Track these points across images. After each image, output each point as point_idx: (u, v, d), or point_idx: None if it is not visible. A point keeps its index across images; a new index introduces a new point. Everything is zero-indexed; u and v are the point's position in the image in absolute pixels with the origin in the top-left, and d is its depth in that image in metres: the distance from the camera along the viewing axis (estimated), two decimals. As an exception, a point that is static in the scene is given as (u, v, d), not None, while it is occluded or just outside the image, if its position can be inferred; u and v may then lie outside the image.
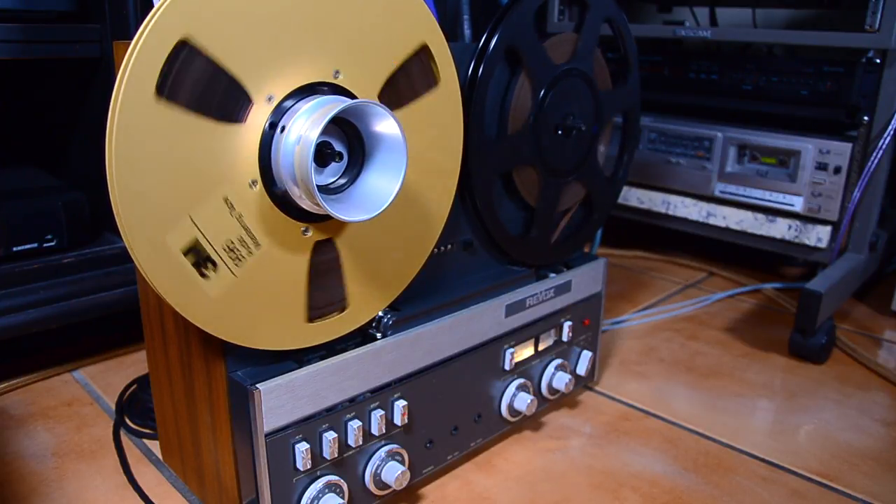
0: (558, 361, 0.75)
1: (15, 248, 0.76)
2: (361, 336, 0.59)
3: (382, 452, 0.58)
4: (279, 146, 0.45)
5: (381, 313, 0.58)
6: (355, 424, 0.55)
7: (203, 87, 0.43)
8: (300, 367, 0.53)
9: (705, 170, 1.15)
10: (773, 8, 1.37)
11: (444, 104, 0.56)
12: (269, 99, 0.45)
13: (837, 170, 1.02)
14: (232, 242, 0.46)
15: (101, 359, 0.87)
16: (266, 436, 0.50)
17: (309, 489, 0.54)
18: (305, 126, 0.44)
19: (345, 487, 0.56)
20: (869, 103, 1.00)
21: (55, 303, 0.76)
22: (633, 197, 1.25)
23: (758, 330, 1.02)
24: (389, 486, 0.59)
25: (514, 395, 0.70)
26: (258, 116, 0.45)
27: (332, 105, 0.44)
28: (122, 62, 0.40)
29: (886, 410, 0.81)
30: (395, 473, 0.57)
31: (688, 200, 1.19)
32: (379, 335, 0.58)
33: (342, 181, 0.50)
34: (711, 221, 1.17)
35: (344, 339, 0.56)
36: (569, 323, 0.75)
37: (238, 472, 0.54)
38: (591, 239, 0.86)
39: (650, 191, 1.23)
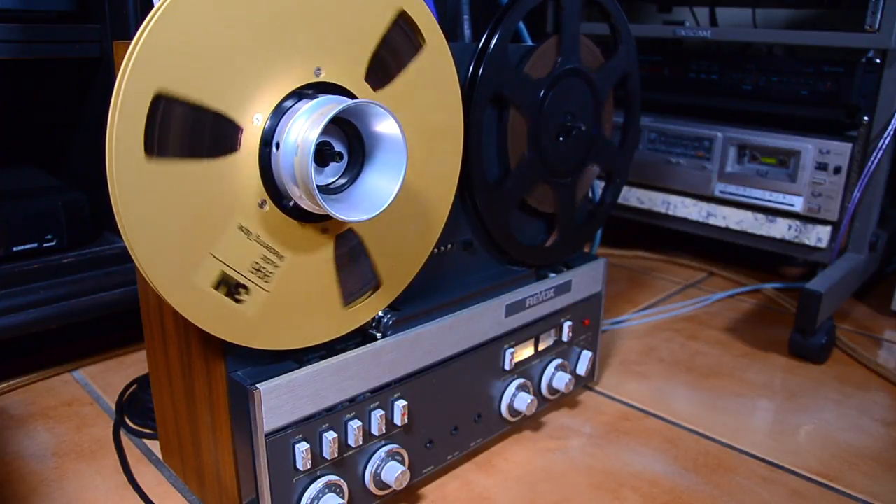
0: (558, 361, 0.75)
1: (15, 248, 0.76)
2: (361, 336, 0.59)
3: (382, 452, 0.58)
4: (277, 161, 0.46)
5: (381, 313, 0.58)
6: (355, 424, 0.55)
7: (190, 131, 0.43)
8: (300, 367, 0.53)
9: (705, 170, 1.15)
10: (773, 8, 1.37)
11: (435, 63, 0.54)
12: (257, 120, 0.45)
13: (837, 170, 1.02)
14: (257, 263, 0.48)
15: (101, 359, 0.87)
16: (266, 436, 0.50)
17: (309, 489, 0.54)
18: (305, 127, 0.44)
19: (345, 487, 0.56)
20: (869, 103, 1.00)
21: (55, 303, 0.76)
22: (633, 197, 1.25)
23: (758, 330, 1.02)
24: (389, 486, 0.59)
25: (514, 395, 0.70)
26: (250, 139, 0.45)
27: (331, 105, 0.44)
28: (121, 62, 0.40)
29: (886, 410, 0.81)
30: (395, 473, 0.57)
31: (688, 200, 1.19)
32: (379, 335, 0.58)
33: (342, 181, 0.50)
34: (711, 221, 1.17)
35: (344, 339, 0.56)
36: (569, 323, 0.75)
37: (238, 472, 0.54)
38: (591, 239, 0.86)
39: (650, 191, 1.23)
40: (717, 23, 1.36)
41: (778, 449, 0.73)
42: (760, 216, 1.11)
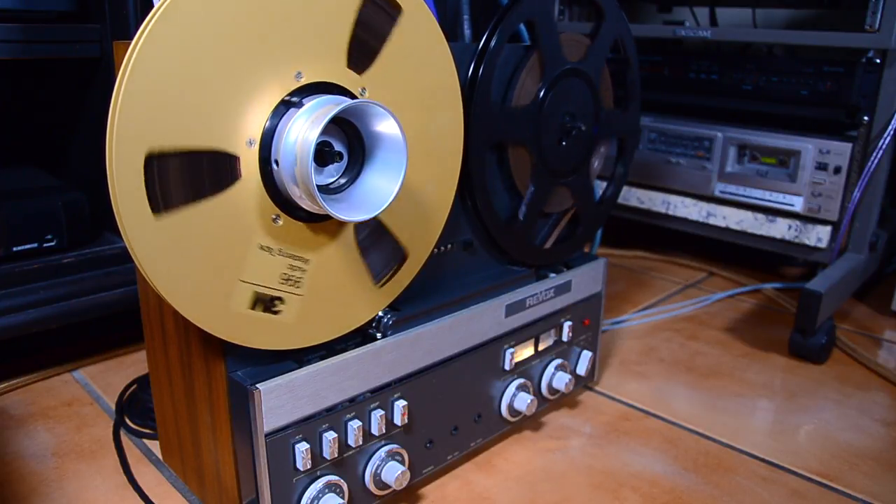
0: (558, 361, 0.75)
1: (15, 248, 0.76)
2: (361, 336, 0.59)
3: (382, 452, 0.58)
4: (280, 177, 0.46)
5: (381, 313, 0.58)
6: (355, 424, 0.55)
7: (190, 178, 0.43)
8: (300, 367, 0.53)
9: (705, 170, 1.15)
10: (773, 8, 1.37)
11: (417, 26, 0.53)
12: (250, 143, 0.45)
13: (837, 170, 1.02)
14: (285, 274, 0.49)
15: (101, 359, 0.87)
16: (266, 436, 0.50)
17: (309, 489, 0.54)
18: (305, 127, 0.44)
19: (345, 487, 0.56)
20: (869, 103, 1.00)
21: (55, 303, 0.76)
22: (633, 197, 1.25)
23: (758, 330, 1.02)
24: (389, 486, 0.59)
25: (514, 395, 0.70)
26: (249, 163, 0.46)
27: (331, 105, 0.44)
28: (122, 62, 0.40)
29: (886, 410, 0.81)
30: (395, 473, 0.58)
31: (688, 200, 1.19)
32: (379, 335, 0.58)
33: (342, 181, 0.50)
34: (711, 221, 1.17)
35: (344, 339, 0.56)
36: (569, 323, 0.75)
37: (238, 472, 0.54)
38: (591, 239, 0.86)
39: (650, 191, 1.23)
40: (717, 23, 1.36)
41: (778, 449, 0.73)
42: (760, 216, 1.11)
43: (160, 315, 0.59)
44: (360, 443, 0.56)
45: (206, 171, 0.44)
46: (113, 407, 0.77)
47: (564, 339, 0.75)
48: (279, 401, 0.51)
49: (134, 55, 0.39)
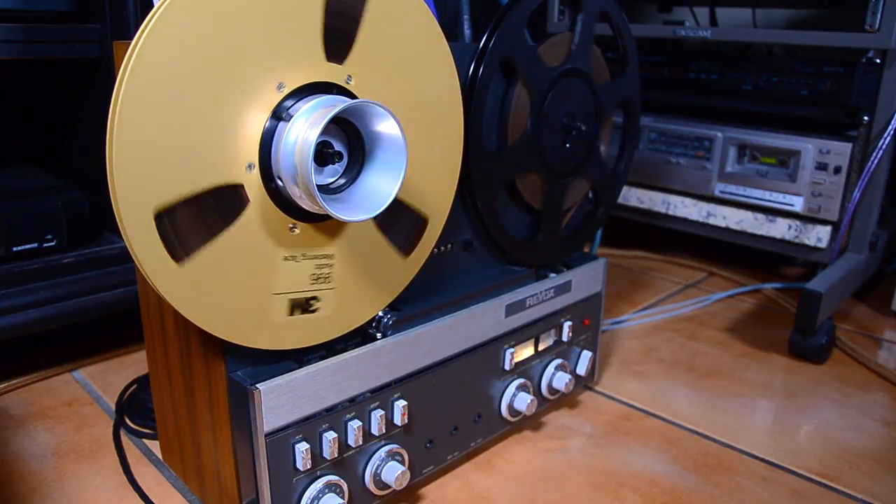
0: (558, 361, 0.75)
1: (15, 248, 0.76)
2: (361, 336, 0.59)
3: (382, 452, 0.58)
4: (287, 192, 0.47)
5: (381, 313, 0.58)
6: (355, 424, 0.55)
7: (201, 220, 0.44)
8: (300, 367, 0.53)
9: (705, 170, 1.15)
10: (773, 8, 1.37)
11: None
12: (250, 167, 0.45)
13: (837, 170, 1.02)
14: (314, 274, 0.51)
15: (101, 359, 0.87)
16: (266, 436, 0.50)
17: (309, 489, 0.54)
18: (305, 127, 0.44)
19: (345, 487, 0.56)
20: (869, 103, 1.00)
21: (55, 303, 0.76)
22: (633, 197, 1.25)
23: (758, 330, 1.02)
24: (389, 486, 0.59)
25: (514, 395, 0.70)
26: (254, 186, 0.46)
27: (331, 106, 0.44)
28: (122, 62, 0.40)
29: (886, 410, 0.81)
30: (395, 473, 0.58)
31: (688, 200, 1.19)
32: (379, 335, 0.58)
33: (342, 181, 0.50)
34: (711, 221, 1.17)
35: (344, 339, 0.56)
36: (569, 323, 0.75)
37: (238, 472, 0.54)
38: (591, 239, 0.86)
39: (650, 191, 1.23)
40: (717, 23, 1.36)
41: (778, 449, 0.73)
42: (760, 216, 1.11)
43: (160, 315, 0.59)
44: (360, 443, 0.56)
45: (216, 208, 0.45)
46: (113, 407, 0.77)
47: (564, 339, 0.75)
48: (279, 401, 0.51)
49: (133, 57, 0.39)
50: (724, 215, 1.15)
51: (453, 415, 0.65)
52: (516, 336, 0.70)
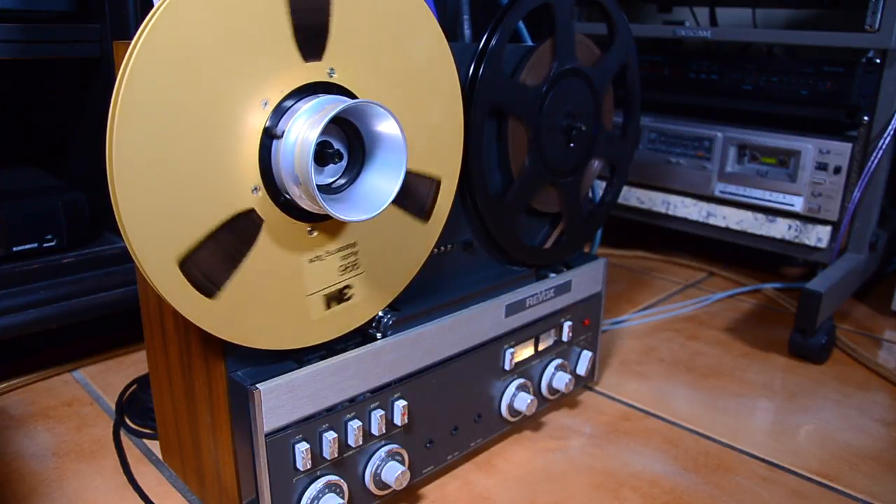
0: (558, 361, 0.75)
1: (15, 248, 0.76)
2: (361, 336, 0.59)
3: (382, 452, 0.58)
4: (296, 203, 0.47)
5: (381, 313, 0.58)
6: (355, 424, 0.55)
7: (224, 253, 0.46)
8: (300, 367, 0.53)
9: (705, 170, 1.15)
10: (773, 8, 1.37)
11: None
12: (255, 189, 0.46)
13: (837, 170, 1.02)
14: (342, 265, 0.52)
15: (101, 359, 0.87)
16: (266, 436, 0.50)
17: (309, 489, 0.54)
18: (305, 127, 0.44)
19: (345, 487, 0.56)
20: (869, 103, 1.00)
21: (55, 303, 0.76)
22: (633, 197, 1.25)
23: (758, 330, 1.02)
24: (389, 486, 0.59)
25: (514, 395, 0.70)
26: (266, 206, 0.47)
27: (331, 105, 0.44)
28: (121, 63, 0.40)
29: (886, 410, 0.81)
30: (395, 473, 0.57)
31: (688, 200, 1.19)
32: (379, 335, 0.58)
33: (342, 181, 0.50)
34: (711, 221, 1.17)
35: (344, 339, 0.56)
36: (569, 323, 0.75)
37: (238, 472, 0.54)
38: (591, 239, 0.86)
39: (650, 191, 1.23)
40: (717, 23, 1.36)
41: (778, 449, 0.73)
42: (760, 216, 1.11)
43: (160, 315, 0.59)
44: (360, 443, 0.56)
45: (233, 238, 0.46)
46: (113, 407, 0.77)
47: (564, 339, 0.75)
48: (279, 401, 0.51)
49: (132, 59, 0.39)
50: (724, 215, 1.15)
51: (453, 415, 0.65)
52: (516, 336, 0.70)
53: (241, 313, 0.48)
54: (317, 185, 0.44)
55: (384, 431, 0.58)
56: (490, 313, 0.66)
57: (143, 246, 0.42)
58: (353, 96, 0.49)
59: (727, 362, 0.92)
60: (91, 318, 0.79)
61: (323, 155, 0.48)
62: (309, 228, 0.49)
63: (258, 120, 0.45)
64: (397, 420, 0.59)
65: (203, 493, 0.61)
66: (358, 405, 0.56)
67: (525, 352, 0.71)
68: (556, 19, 0.65)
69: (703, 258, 1.31)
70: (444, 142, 0.57)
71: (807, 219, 1.07)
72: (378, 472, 0.58)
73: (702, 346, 0.96)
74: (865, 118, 1.00)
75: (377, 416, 0.57)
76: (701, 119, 1.18)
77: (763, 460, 0.71)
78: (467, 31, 0.73)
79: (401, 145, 0.47)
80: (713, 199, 1.16)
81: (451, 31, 0.70)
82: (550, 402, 0.77)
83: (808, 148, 1.04)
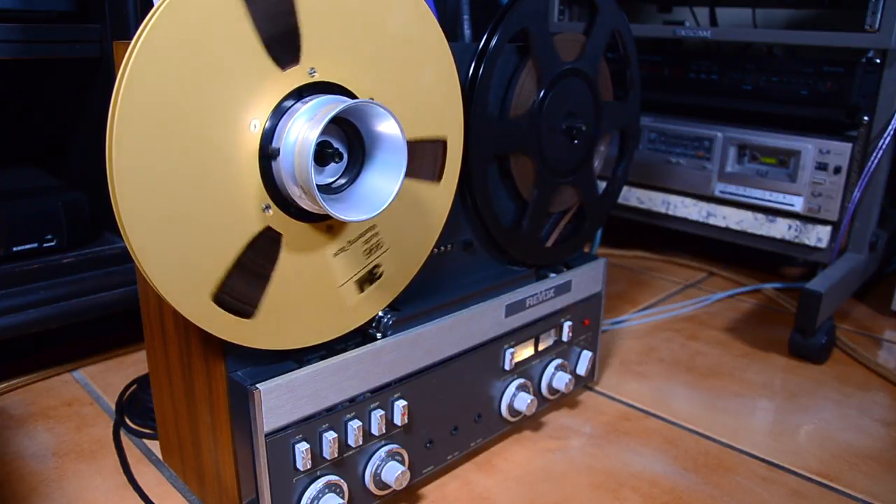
0: (558, 361, 0.75)
1: (15, 248, 0.76)
2: (361, 336, 0.59)
3: (382, 452, 0.58)
4: (311, 207, 0.47)
5: (381, 313, 0.58)
6: (355, 424, 0.55)
7: (251, 274, 0.47)
8: (300, 367, 0.53)
9: (705, 170, 1.15)
10: (773, 8, 1.37)
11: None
12: (267, 208, 0.47)
13: (837, 170, 1.02)
14: (366, 249, 0.53)
15: (101, 359, 0.87)
16: (266, 436, 0.50)
17: (309, 489, 0.54)
18: (305, 127, 0.44)
19: (345, 487, 0.56)
20: (869, 103, 1.00)
21: (55, 303, 0.76)
22: (633, 197, 1.25)
23: (758, 330, 1.02)
24: (389, 486, 0.59)
25: (514, 395, 0.70)
26: (280, 220, 0.48)
27: (332, 105, 0.44)
28: (121, 62, 0.40)
29: (886, 410, 0.81)
30: (395, 473, 0.57)
31: (688, 200, 1.19)
32: (379, 335, 0.58)
33: (342, 181, 0.50)
34: (711, 221, 1.17)
35: (344, 339, 0.56)
36: (569, 323, 0.75)
37: (238, 472, 0.54)
38: (591, 239, 0.86)
39: (650, 191, 1.23)
40: (717, 23, 1.36)
41: (778, 449, 0.73)
42: (760, 216, 1.11)
43: (160, 315, 0.59)
44: (360, 443, 0.56)
45: (257, 258, 0.47)
46: (113, 407, 0.77)
47: (564, 339, 0.75)
48: (279, 401, 0.51)
49: (132, 59, 0.39)
50: (724, 215, 1.15)
51: (453, 415, 0.65)
52: (516, 336, 0.70)
53: (280, 322, 0.50)
54: (317, 185, 0.43)
55: (384, 431, 0.58)
56: (490, 313, 0.66)
57: (174, 289, 0.44)
58: (344, 91, 0.49)
59: (727, 362, 0.92)
60: (91, 318, 0.79)
61: (323, 155, 0.48)
62: (327, 226, 0.50)
63: (251, 144, 0.45)
64: (397, 420, 0.59)
65: (203, 493, 0.61)
66: (358, 405, 0.56)
67: (525, 352, 0.71)
68: (532, 43, 0.64)
69: (703, 258, 1.31)
70: (441, 100, 0.56)
71: (807, 219, 1.07)
72: (378, 472, 0.58)
73: (702, 346, 0.96)
74: (865, 118, 1.00)
75: (377, 416, 0.57)
76: (701, 119, 1.17)
77: (763, 460, 0.71)
78: (467, 31, 0.73)
79: (401, 145, 0.47)
80: (713, 199, 1.16)
81: (451, 31, 0.70)
82: (550, 402, 0.77)
83: (808, 148, 1.04)
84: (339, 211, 0.45)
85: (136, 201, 0.41)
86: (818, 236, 1.06)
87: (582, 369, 0.78)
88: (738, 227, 1.14)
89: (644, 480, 0.67)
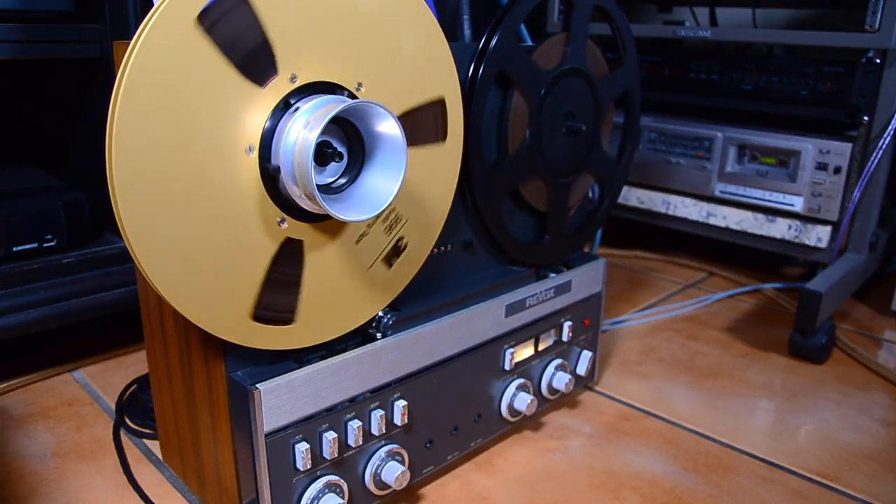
0: (558, 361, 0.75)
1: (15, 248, 0.76)
2: (361, 336, 0.59)
3: (382, 452, 0.58)
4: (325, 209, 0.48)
5: (381, 313, 0.58)
6: (355, 424, 0.55)
7: (283, 286, 0.49)
8: (300, 367, 0.53)
9: (705, 170, 1.15)
10: (773, 8, 1.37)
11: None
12: (282, 221, 0.48)
13: (837, 170, 1.02)
14: (386, 226, 0.54)
15: (101, 359, 0.87)
16: (266, 436, 0.50)
17: (309, 489, 0.54)
18: (305, 128, 0.44)
19: (345, 487, 0.56)
20: (869, 103, 1.00)
21: (55, 303, 0.76)
22: (633, 197, 1.25)
23: (758, 330, 1.02)
24: (389, 486, 0.59)
25: (514, 395, 0.70)
26: (298, 227, 0.49)
27: (332, 104, 0.44)
28: (122, 62, 0.40)
29: (886, 410, 0.81)
30: (395, 473, 0.58)
31: (688, 200, 1.19)
32: (379, 335, 0.58)
33: (342, 181, 0.50)
34: (711, 221, 1.17)
35: (344, 339, 0.56)
36: (569, 323, 0.75)
37: (238, 472, 0.54)
38: (592, 239, 0.86)
39: (650, 191, 1.23)
40: (717, 23, 1.36)
41: (778, 449, 0.73)
42: (760, 216, 1.11)
43: (160, 315, 0.59)
44: (360, 443, 0.56)
45: (285, 269, 0.49)
46: (113, 407, 0.77)
47: (564, 339, 0.75)
48: (279, 401, 0.51)
49: (132, 59, 0.39)
50: (724, 215, 1.15)
51: (453, 415, 0.65)
52: (516, 336, 0.70)
53: (319, 318, 0.52)
54: (317, 185, 0.43)
55: (384, 431, 0.58)
56: (490, 313, 0.66)
57: (213, 319, 0.46)
58: (330, 85, 0.48)
59: (727, 362, 0.92)
60: (91, 318, 0.79)
61: (323, 155, 0.48)
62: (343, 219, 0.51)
63: (251, 169, 0.45)
64: (397, 420, 0.59)
65: (203, 493, 0.61)
66: (358, 405, 0.56)
67: (525, 352, 0.71)
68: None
69: (703, 258, 1.31)
70: (430, 61, 0.54)
71: (807, 219, 1.07)
72: (378, 472, 0.58)
73: (702, 346, 0.96)
74: (865, 118, 1.00)
75: (377, 416, 0.57)
76: (701, 119, 1.17)
77: (763, 460, 0.71)
78: (467, 31, 0.73)
79: (401, 145, 0.47)
80: (713, 199, 1.16)
81: (451, 31, 0.70)
82: (550, 402, 0.77)
83: (808, 148, 1.04)
84: (339, 211, 0.45)
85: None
86: (818, 236, 1.06)
87: (582, 369, 0.78)
88: (738, 227, 1.14)
89: (644, 480, 0.67)
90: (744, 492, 0.66)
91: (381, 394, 0.58)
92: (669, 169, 1.19)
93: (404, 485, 0.58)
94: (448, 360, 0.63)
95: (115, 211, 0.41)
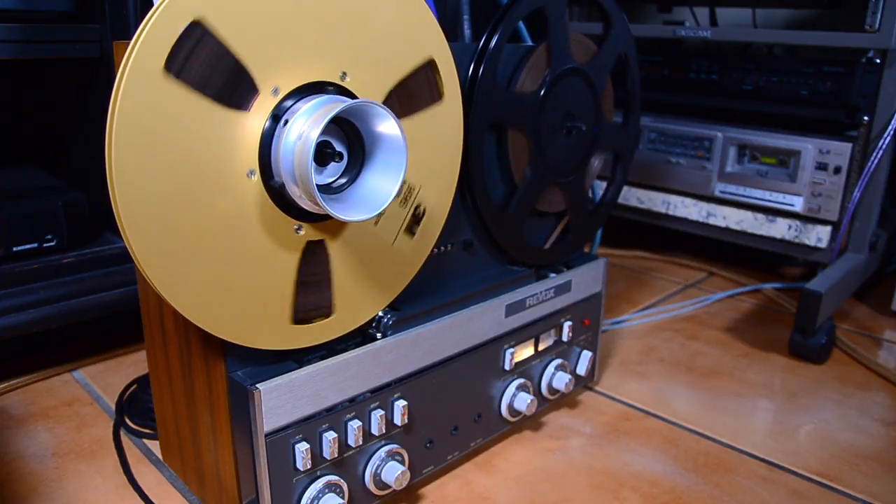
0: (558, 361, 0.75)
1: (15, 248, 0.76)
2: (361, 336, 0.59)
3: (382, 452, 0.58)
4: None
5: (381, 313, 0.58)
6: (355, 424, 0.55)
7: (314, 287, 0.50)
8: (300, 367, 0.53)
9: (705, 170, 1.15)
10: (773, 8, 1.37)
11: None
12: (299, 229, 0.49)
13: (837, 170, 1.02)
14: (401, 199, 0.55)
15: (101, 359, 0.87)
16: (266, 436, 0.50)
17: (309, 489, 0.54)
18: (306, 125, 0.44)
19: (345, 487, 0.56)
20: (869, 103, 1.00)
21: (55, 303, 0.76)
22: (633, 197, 1.25)
23: (758, 330, 1.02)
24: (389, 486, 0.59)
25: (514, 395, 0.70)
26: (316, 230, 0.50)
27: (332, 104, 0.44)
28: (121, 62, 0.40)
29: (886, 410, 0.81)
30: (395, 473, 0.58)
31: (688, 200, 1.19)
32: (379, 335, 0.58)
33: (342, 181, 0.50)
34: (711, 221, 1.17)
35: (344, 339, 0.56)
36: (569, 323, 0.75)
37: (238, 472, 0.54)
38: (592, 239, 0.86)
39: (650, 191, 1.23)
40: (717, 23, 1.36)
41: (778, 449, 0.73)
42: (760, 216, 1.11)
43: (160, 315, 0.59)
44: (360, 443, 0.56)
45: (313, 270, 0.50)
46: (113, 407, 0.77)
47: (564, 339, 0.75)
48: (279, 401, 0.51)
49: (131, 59, 0.39)
50: (724, 215, 1.15)
51: (453, 415, 0.65)
52: (516, 336, 0.70)
53: (356, 301, 0.54)
54: (317, 185, 0.43)
55: (384, 431, 0.58)
56: (490, 313, 0.66)
57: (255, 336, 0.49)
58: (317, 84, 0.48)
59: (727, 362, 0.92)
60: (91, 318, 0.79)
61: (323, 154, 0.48)
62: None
63: (257, 189, 0.46)
64: (397, 420, 0.59)
65: (203, 493, 0.61)
66: (358, 405, 0.56)
67: (525, 352, 0.71)
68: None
69: (703, 258, 1.31)
70: (412, 25, 0.52)
71: (807, 219, 1.07)
72: (378, 472, 0.58)
73: (702, 346, 0.96)
74: (865, 118, 1.00)
75: (377, 416, 0.57)
76: (701, 119, 1.18)
77: (763, 460, 0.71)
78: (467, 31, 0.73)
79: (401, 145, 0.47)
80: (713, 199, 1.16)
81: (451, 31, 0.70)
82: (550, 402, 0.77)
83: (808, 148, 1.04)
84: (339, 211, 0.45)
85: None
86: (818, 236, 1.06)
87: (582, 369, 0.78)
88: (738, 227, 1.14)
89: (644, 480, 0.67)
90: (744, 492, 0.66)
91: (381, 394, 0.58)
92: (669, 169, 1.19)
93: (404, 485, 0.58)
94: (448, 360, 0.63)
95: (115, 212, 0.41)
